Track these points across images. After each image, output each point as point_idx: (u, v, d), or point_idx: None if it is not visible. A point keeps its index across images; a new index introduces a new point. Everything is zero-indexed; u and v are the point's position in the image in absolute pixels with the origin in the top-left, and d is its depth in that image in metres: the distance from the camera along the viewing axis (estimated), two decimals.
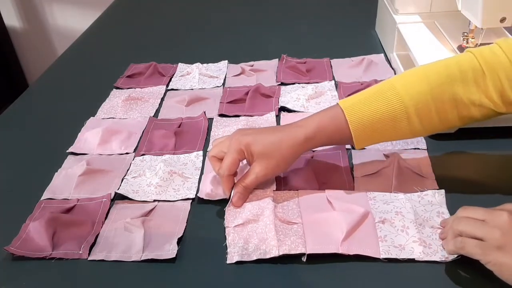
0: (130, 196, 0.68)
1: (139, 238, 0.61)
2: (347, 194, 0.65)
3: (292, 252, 0.57)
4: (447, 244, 0.55)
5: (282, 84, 0.95)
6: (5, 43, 2.29)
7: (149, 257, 0.59)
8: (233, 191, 0.65)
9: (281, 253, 0.57)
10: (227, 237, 0.61)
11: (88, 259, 0.60)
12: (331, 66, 1.00)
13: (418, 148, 0.74)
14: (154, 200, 0.68)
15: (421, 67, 0.66)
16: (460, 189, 0.66)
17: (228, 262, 0.58)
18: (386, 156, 0.72)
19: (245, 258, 0.57)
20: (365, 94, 0.65)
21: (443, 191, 0.64)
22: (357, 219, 0.60)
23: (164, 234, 0.62)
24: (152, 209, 0.66)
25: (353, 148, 0.70)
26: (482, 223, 0.53)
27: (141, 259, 0.59)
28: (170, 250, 0.59)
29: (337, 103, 0.65)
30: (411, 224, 0.59)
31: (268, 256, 0.57)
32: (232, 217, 0.63)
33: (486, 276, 0.52)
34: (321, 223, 0.61)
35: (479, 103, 0.62)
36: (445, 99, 0.62)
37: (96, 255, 0.60)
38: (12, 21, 2.30)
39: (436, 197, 0.63)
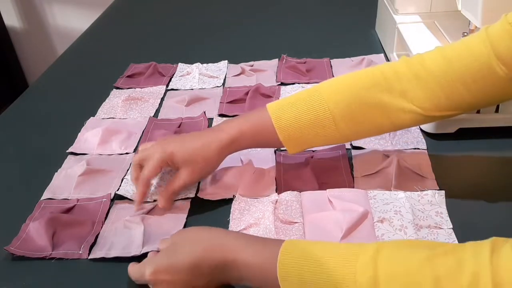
0: (130, 197, 0.68)
1: (138, 234, 0.61)
2: (348, 193, 0.65)
3: None
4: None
5: (282, 84, 0.95)
6: (5, 43, 2.30)
7: (149, 250, 0.58)
8: (159, 196, 0.66)
9: None
10: None
11: (89, 258, 0.60)
12: (331, 66, 1.00)
13: (418, 148, 0.74)
14: (154, 200, 0.68)
15: (348, 74, 0.66)
16: (460, 189, 0.66)
17: None
18: (386, 156, 0.72)
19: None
20: (292, 98, 0.65)
21: (443, 191, 0.64)
22: (356, 218, 0.60)
23: (164, 230, 0.62)
24: (152, 208, 0.66)
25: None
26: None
27: (141, 253, 0.58)
28: None
29: (265, 106, 0.65)
30: (409, 224, 0.59)
31: None
32: (236, 224, 0.63)
33: None
34: (321, 222, 0.61)
35: (408, 110, 0.61)
36: (371, 105, 0.62)
37: (96, 254, 0.60)
38: (12, 21, 2.30)
39: (436, 197, 0.64)
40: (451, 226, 0.60)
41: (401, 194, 0.64)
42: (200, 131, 0.70)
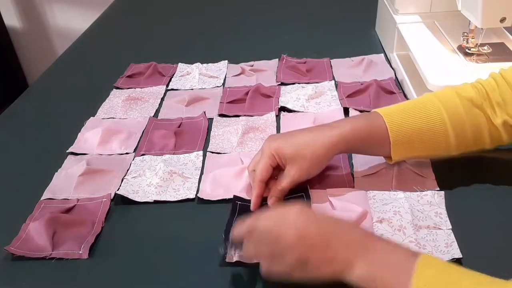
0: (130, 197, 0.68)
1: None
2: (347, 193, 0.65)
3: None
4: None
5: (282, 84, 0.95)
6: (5, 43, 2.29)
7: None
8: (270, 195, 0.64)
9: None
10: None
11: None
12: (331, 66, 1.00)
13: None
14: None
15: (450, 87, 0.66)
16: (460, 189, 0.66)
17: (227, 261, 0.58)
18: None
19: (245, 260, 0.57)
20: (404, 105, 0.65)
21: (442, 192, 0.64)
22: (355, 219, 0.60)
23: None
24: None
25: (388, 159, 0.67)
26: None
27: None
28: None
29: (374, 111, 0.64)
30: (408, 224, 0.59)
31: None
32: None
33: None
34: None
35: (503, 124, 0.63)
36: (477, 121, 0.63)
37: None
38: (12, 21, 2.30)
39: (435, 198, 0.64)
40: (450, 227, 0.60)
41: (400, 194, 0.64)
42: (311, 127, 0.67)
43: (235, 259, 0.57)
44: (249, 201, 0.65)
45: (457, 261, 0.55)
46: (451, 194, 0.65)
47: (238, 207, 0.65)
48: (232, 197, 0.67)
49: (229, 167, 0.71)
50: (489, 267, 0.55)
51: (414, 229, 0.59)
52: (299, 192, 0.65)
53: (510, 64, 0.66)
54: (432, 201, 0.63)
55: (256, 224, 0.52)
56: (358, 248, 0.48)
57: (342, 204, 0.63)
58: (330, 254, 0.48)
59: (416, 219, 0.60)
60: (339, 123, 0.64)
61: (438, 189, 0.66)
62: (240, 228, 0.53)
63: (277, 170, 0.65)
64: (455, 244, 0.57)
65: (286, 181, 0.63)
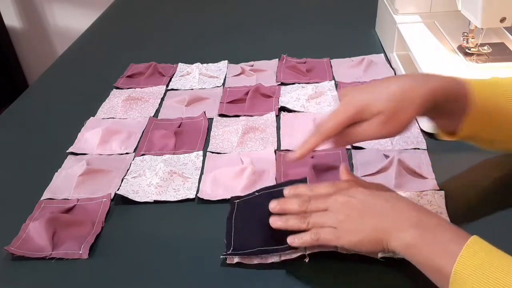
0: (130, 197, 0.68)
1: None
2: None
3: (294, 255, 0.57)
4: (301, 237, 0.54)
5: (282, 84, 0.95)
6: (5, 43, 2.29)
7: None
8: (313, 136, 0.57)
9: (282, 259, 0.57)
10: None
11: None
12: (331, 66, 1.00)
13: (418, 148, 0.74)
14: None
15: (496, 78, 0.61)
16: (460, 189, 0.66)
17: (228, 262, 0.58)
18: (386, 156, 0.72)
19: (246, 261, 0.57)
20: (496, 79, 0.59)
21: (442, 192, 0.64)
22: None
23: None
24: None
25: (451, 134, 0.60)
26: (327, 196, 0.55)
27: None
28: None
29: (460, 78, 0.57)
30: None
31: (269, 261, 0.57)
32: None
33: None
34: None
35: None
36: None
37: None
38: (12, 21, 2.30)
39: (435, 198, 0.64)
40: None
41: (400, 193, 0.64)
42: (395, 76, 0.62)
43: (235, 260, 0.57)
44: (246, 195, 0.65)
45: None
46: (451, 194, 0.65)
47: (236, 206, 0.65)
48: (231, 197, 0.67)
49: (229, 167, 0.71)
50: None
51: None
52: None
53: (510, 64, 0.66)
54: (432, 201, 0.63)
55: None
56: (414, 219, 0.50)
57: None
58: (383, 209, 0.51)
59: None
60: (430, 75, 0.57)
61: (438, 189, 0.66)
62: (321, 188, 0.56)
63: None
64: None
65: (367, 133, 0.55)
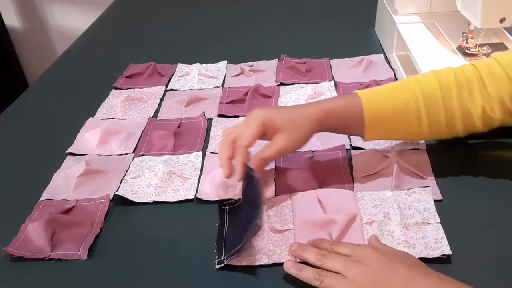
0: (129, 197, 0.68)
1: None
2: (336, 194, 0.65)
3: (283, 260, 0.57)
4: (303, 271, 0.54)
5: (282, 84, 0.95)
6: (5, 43, 2.29)
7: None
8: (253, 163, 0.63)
9: (271, 262, 0.57)
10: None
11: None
12: (331, 66, 1.00)
13: (418, 149, 0.74)
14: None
15: (432, 72, 0.67)
16: (459, 189, 0.66)
17: (218, 266, 0.58)
18: (386, 156, 0.72)
19: (234, 263, 0.57)
20: (384, 87, 0.68)
21: (429, 188, 0.65)
22: (346, 222, 0.60)
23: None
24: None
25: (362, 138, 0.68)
26: (345, 258, 0.53)
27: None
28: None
29: (355, 92, 0.66)
30: (396, 227, 0.60)
31: (257, 263, 0.57)
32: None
33: (472, 274, 0.53)
34: (311, 228, 0.61)
35: (481, 112, 0.64)
36: (454, 106, 0.64)
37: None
38: (12, 21, 2.30)
39: (423, 194, 0.64)
40: (439, 221, 0.60)
41: (388, 193, 0.64)
42: (296, 105, 0.70)
43: (224, 262, 0.57)
44: (236, 202, 0.65)
45: (446, 257, 0.55)
46: (450, 194, 0.65)
47: (226, 211, 0.65)
48: (232, 197, 0.67)
49: None
50: (487, 266, 0.55)
51: (403, 229, 0.59)
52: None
53: None
54: (420, 198, 0.64)
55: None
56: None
57: (332, 206, 0.63)
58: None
59: (404, 218, 0.61)
60: (322, 101, 0.66)
61: (437, 188, 0.66)
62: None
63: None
64: (445, 240, 0.57)
65: (272, 150, 0.64)
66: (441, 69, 0.67)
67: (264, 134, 0.64)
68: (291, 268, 0.54)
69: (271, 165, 0.72)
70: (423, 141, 0.75)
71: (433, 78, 0.66)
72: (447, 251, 0.56)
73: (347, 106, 0.65)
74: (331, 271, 0.52)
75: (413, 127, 0.66)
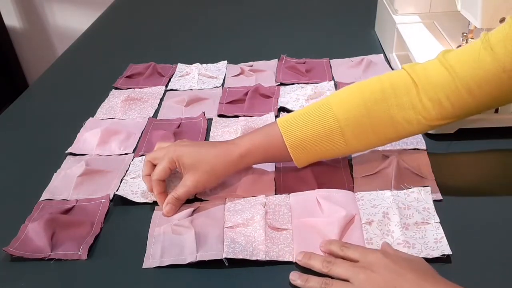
0: (129, 197, 0.68)
1: (191, 238, 0.60)
2: (336, 194, 0.65)
3: (280, 259, 0.57)
4: (309, 281, 0.53)
5: (282, 84, 0.95)
6: (5, 43, 2.29)
7: (204, 258, 0.57)
8: (165, 201, 0.65)
9: (267, 259, 0.57)
10: None
11: (143, 267, 0.58)
12: (331, 66, 1.00)
13: (418, 149, 0.74)
14: (200, 200, 0.68)
15: (355, 84, 0.66)
16: (459, 190, 0.66)
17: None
18: (386, 156, 0.72)
19: (231, 256, 0.57)
20: (302, 112, 0.66)
21: (429, 188, 0.65)
22: (344, 225, 0.60)
23: (214, 232, 0.61)
24: (196, 209, 0.66)
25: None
26: (352, 264, 0.53)
27: (197, 259, 0.57)
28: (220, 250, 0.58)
29: (275, 121, 0.66)
30: (396, 227, 0.59)
31: (254, 258, 0.57)
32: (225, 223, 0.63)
33: (472, 274, 0.53)
34: (310, 229, 0.61)
35: (415, 122, 0.63)
36: (381, 118, 0.63)
37: (149, 263, 0.58)
38: (12, 21, 2.30)
39: (422, 194, 0.64)
40: (438, 220, 0.60)
41: (387, 193, 0.64)
42: (216, 142, 0.70)
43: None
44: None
45: (447, 257, 0.55)
46: (450, 194, 0.65)
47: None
48: (230, 196, 0.67)
49: None
50: (487, 266, 0.55)
51: (403, 229, 0.59)
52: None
53: None
54: (419, 197, 0.64)
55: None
56: None
57: (331, 207, 0.63)
58: None
59: (404, 218, 0.61)
60: (240, 140, 0.66)
61: (437, 188, 0.66)
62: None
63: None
64: (444, 240, 0.57)
65: (181, 190, 0.64)
66: (365, 81, 0.66)
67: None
68: (297, 279, 0.54)
69: (271, 166, 0.72)
70: (423, 141, 0.75)
71: (355, 91, 0.64)
72: (447, 251, 0.56)
73: (266, 139, 0.65)
74: (338, 278, 0.52)
75: (339, 145, 0.64)
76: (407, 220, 0.60)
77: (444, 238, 0.58)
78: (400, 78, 0.63)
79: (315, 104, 0.66)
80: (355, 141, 0.64)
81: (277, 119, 0.66)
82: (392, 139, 0.66)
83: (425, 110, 0.62)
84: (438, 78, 0.61)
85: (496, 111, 0.75)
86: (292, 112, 0.67)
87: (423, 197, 0.64)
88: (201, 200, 0.67)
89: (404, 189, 0.65)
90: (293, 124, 0.64)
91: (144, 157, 0.77)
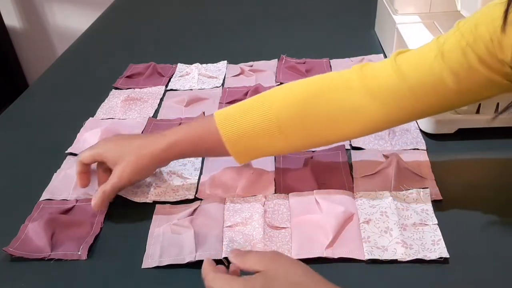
0: (128, 197, 0.68)
1: (189, 238, 0.60)
2: (334, 194, 0.65)
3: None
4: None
5: (282, 84, 0.95)
6: (5, 43, 2.29)
7: (203, 258, 0.55)
8: (93, 196, 0.64)
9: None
10: None
11: (142, 267, 0.58)
12: (331, 66, 1.00)
13: (418, 149, 0.74)
14: (199, 199, 0.68)
15: (299, 81, 0.64)
16: (459, 190, 0.66)
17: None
18: (386, 156, 0.72)
19: (227, 254, 0.57)
20: (240, 104, 0.64)
21: (428, 189, 0.65)
22: (343, 221, 0.60)
23: (213, 232, 0.61)
24: (196, 208, 0.66)
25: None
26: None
27: (196, 259, 0.57)
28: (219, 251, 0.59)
29: (213, 114, 0.63)
30: (394, 226, 0.60)
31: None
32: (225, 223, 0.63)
33: (471, 274, 0.53)
34: (308, 226, 0.61)
35: (360, 123, 0.61)
36: (322, 117, 0.61)
37: (148, 263, 0.58)
38: (12, 21, 2.30)
39: (421, 196, 0.64)
40: (436, 222, 0.60)
41: (386, 193, 0.64)
42: (148, 134, 0.69)
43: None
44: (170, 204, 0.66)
45: (444, 259, 0.55)
46: (450, 194, 0.65)
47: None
48: (232, 197, 0.67)
49: (228, 167, 0.71)
50: (485, 267, 0.55)
51: (400, 230, 0.59)
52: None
53: None
54: (418, 199, 0.64)
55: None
56: None
57: (329, 206, 0.63)
58: None
59: (402, 218, 0.61)
60: (172, 131, 0.65)
61: (437, 189, 0.66)
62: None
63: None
64: (442, 242, 0.57)
65: (109, 185, 0.63)
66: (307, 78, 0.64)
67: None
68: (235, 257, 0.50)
69: (271, 166, 0.72)
70: (423, 141, 0.75)
71: (295, 88, 0.63)
72: (445, 253, 0.56)
73: (201, 131, 0.64)
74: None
75: (280, 143, 0.62)
76: (405, 220, 0.60)
77: (442, 240, 0.58)
78: (346, 79, 0.61)
79: (253, 100, 0.63)
80: (296, 139, 0.62)
81: (215, 112, 0.64)
82: (336, 140, 0.65)
83: (371, 113, 0.60)
84: (387, 83, 0.58)
85: (496, 111, 0.75)
86: (230, 106, 0.64)
87: (422, 199, 0.64)
88: (201, 200, 0.67)
89: (403, 190, 0.65)
90: (230, 116, 0.62)
91: None
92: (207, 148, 0.65)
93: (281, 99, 0.62)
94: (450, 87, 0.56)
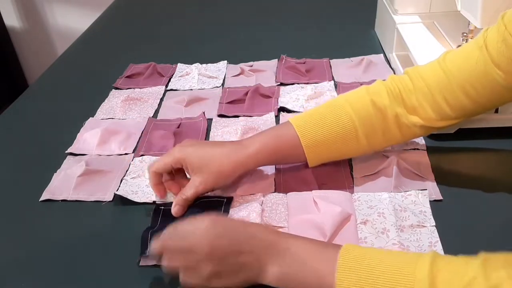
0: (129, 197, 0.68)
1: None
2: (332, 195, 0.65)
3: None
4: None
5: (282, 84, 0.95)
6: (5, 43, 2.30)
7: None
8: (174, 202, 0.64)
9: None
10: None
11: (140, 264, 0.58)
12: (331, 67, 1.00)
13: (418, 149, 0.74)
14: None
15: (365, 88, 0.67)
16: (459, 190, 0.66)
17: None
18: (386, 156, 0.72)
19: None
20: (315, 112, 0.67)
21: (426, 191, 0.65)
22: (340, 222, 0.60)
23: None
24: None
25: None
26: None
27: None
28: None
29: (288, 120, 0.66)
30: (391, 227, 0.59)
31: None
32: None
33: None
34: (305, 226, 0.61)
35: (419, 124, 0.65)
36: (389, 120, 0.65)
37: (146, 261, 0.58)
38: (12, 21, 2.30)
39: (419, 197, 0.64)
40: (434, 224, 0.60)
41: (385, 195, 0.64)
42: (224, 142, 0.70)
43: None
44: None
45: None
46: (450, 194, 0.65)
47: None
48: (229, 196, 0.67)
49: None
50: None
51: (398, 231, 0.59)
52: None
53: None
54: (416, 200, 0.64)
55: (169, 239, 0.52)
56: (270, 251, 0.49)
57: (327, 206, 0.63)
58: (242, 261, 0.49)
59: (399, 220, 0.61)
60: (249, 141, 0.66)
61: (437, 189, 0.66)
62: (156, 242, 0.53)
63: (180, 174, 0.67)
64: (439, 244, 0.57)
65: (190, 191, 0.63)
66: (371, 86, 0.67)
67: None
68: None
69: (271, 167, 0.72)
70: (423, 141, 0.75)
71: (364, 96, 0.65)
72: None
73: (278, 141, 0.65)
74: None
75: (352, 147, 0.66)
76: (402, 222, 0.60)
77: (439, 242, 0.58)
78: (403, 83, 0.65)
79: (326, 105, 0.67)
80: (366, 141, 0.65)
81: (289, 119, 0.66)
82: (398, 140, 0.68)
83: (427, 113, 0.64)
84: (436, 81, 0.62)
85: (496, 111, 0.75)
86: (302, 113, 0.68)
87: (420, 200, 0.64)
88: (201, 200, 0.67)
89: (402, 192, 0.65)
90: (308, 124, 0.65)
91: (143, 157, 0.77)
92: (284, 156, 0.67)
93: (353, 104, 0.65)
94: (497, 80, 0.57)
